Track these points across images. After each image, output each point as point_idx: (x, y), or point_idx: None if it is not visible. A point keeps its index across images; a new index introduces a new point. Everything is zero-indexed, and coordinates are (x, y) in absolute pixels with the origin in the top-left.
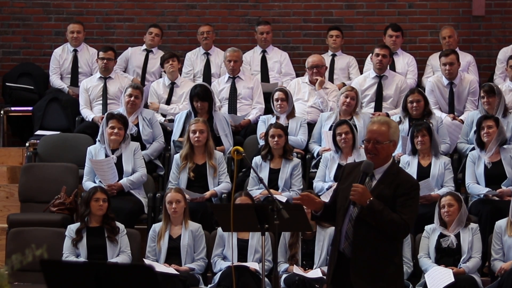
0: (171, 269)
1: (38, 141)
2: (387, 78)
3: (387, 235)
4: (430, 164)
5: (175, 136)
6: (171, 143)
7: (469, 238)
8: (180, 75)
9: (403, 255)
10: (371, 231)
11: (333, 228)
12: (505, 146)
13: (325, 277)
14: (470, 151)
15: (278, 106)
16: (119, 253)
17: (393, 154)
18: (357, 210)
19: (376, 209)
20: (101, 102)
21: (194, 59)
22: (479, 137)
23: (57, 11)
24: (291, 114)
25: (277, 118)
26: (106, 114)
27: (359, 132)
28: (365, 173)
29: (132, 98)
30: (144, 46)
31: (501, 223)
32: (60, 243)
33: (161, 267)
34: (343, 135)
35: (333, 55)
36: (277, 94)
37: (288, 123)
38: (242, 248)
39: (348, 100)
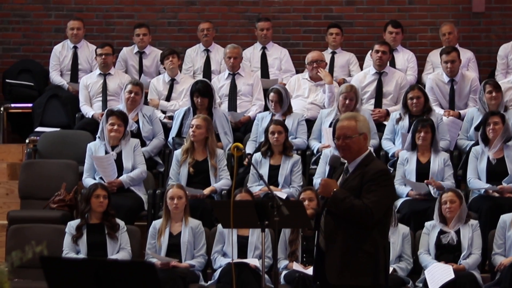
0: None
1: (38, 137)
2: (387, 74)
3: (354, 222)
4: (429, 161)
5: (174, 133)
6: (170, 140)
7: (469, 235)
8: (180, 71)
9: (403, 251)
10: (340, 221)
11: None
12: (509, 143)
13: None
14: (472, 146)
15: (272, 107)
16: (119, 250)
17: (394, 152)
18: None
19: (338, 198)
20: (101, 98)
21: (194, 56)
22: (484, 133)
23: (57, 8)
24: (287, 112)
25: (273, 115)
26: (106, 110)
27: None
28: (332, 167)
29: (132, 95)
30: (136, 48)
31: (505, 218)
32: (60, 240)
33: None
34: None
35: (333, 53)
36: (271, 96)
37: (285, 120)
38: (242, 245)
39: (347, 102)
